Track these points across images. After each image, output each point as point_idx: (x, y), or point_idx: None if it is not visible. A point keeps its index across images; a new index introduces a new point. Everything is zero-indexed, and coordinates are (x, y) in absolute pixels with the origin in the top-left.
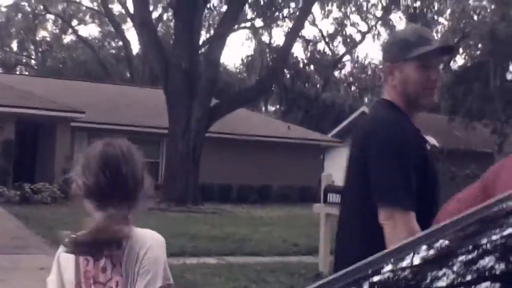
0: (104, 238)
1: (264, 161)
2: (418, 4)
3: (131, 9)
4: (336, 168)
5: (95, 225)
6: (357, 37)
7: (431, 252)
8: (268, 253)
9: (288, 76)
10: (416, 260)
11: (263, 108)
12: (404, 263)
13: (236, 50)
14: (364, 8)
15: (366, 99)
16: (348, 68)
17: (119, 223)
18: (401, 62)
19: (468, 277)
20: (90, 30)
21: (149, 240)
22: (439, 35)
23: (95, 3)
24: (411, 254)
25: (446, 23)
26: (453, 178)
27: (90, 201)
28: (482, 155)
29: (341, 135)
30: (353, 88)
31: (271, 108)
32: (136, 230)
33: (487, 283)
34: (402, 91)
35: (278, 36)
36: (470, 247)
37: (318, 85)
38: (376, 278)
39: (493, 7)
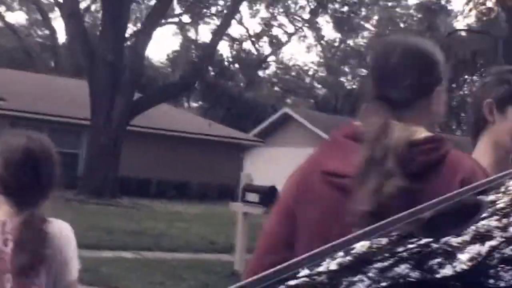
0: (29, 237)
1: (184, 157)
2: (345, 8)
3: None
4: (256, 167)
5: (18, 224)
6: (283, 38)
7: (348, 258)
8: (185, 250)
9: (212, 73)
10: (332, 266)
11: (186, 104)
12: (321, 268)
13: (162, 45)
14: (292, 10)
15: (288, 100)
16: (272, 68)
17: (42, 222)
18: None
19: (383, 284)
20: (17, 17)
21: (63, 231)
22: (364, 40)
23: None
24: (328, 260)
25: (372, 29)
26: None
27: (6, 195)
28: None
29: (262, 134)
30: (276, 88)
31: (194, 105)
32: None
33: None
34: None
35: (204, 33)
36: (387, 254)
37: (241, 84)
38: (292, 283)
39: (419, 16)
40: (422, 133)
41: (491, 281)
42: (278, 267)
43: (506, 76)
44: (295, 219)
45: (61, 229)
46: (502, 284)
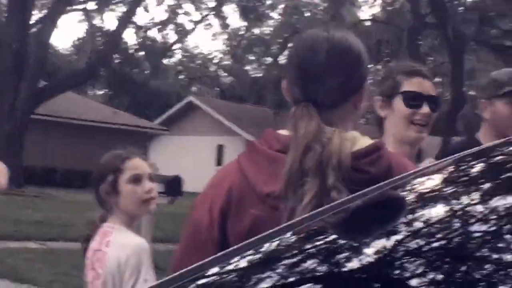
0: None
1: (90, 146)
2: None
3: None
4: (161, 156)
5: None
6: (189, 26)
7: (257, 256)
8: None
9: (117, 61)
10: (242, 263)
11: (91, 92)
12: (230, 267)
13: (68, 33)
14: None
15: (194, 89)
16: (178, 56)
17: None
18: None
19: (291, 279)
20: None
21: None
22: (270, 29)
23: None
24: (238, 258)
25: (278, 17)
26: None
27: None
28: None
29: (167, 123)
30: (182, 76)
31: (99, 92)
32: None
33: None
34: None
35: (110, 21)
36: (295, 251)
37: (147, 72)
38: (201, 281)
39: (325, 5)
40: (360, 139)
41: (397, 272)
42: (190, 267)
43: (387, 70)
44: (220, 230)
45: None
46: (407, 274)
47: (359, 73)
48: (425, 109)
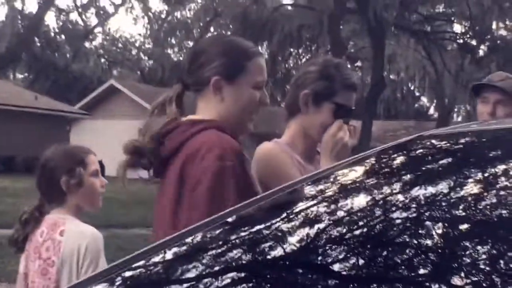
0: None
1: (10, 131)
2: None
3: None
4: (82, 140)
5: None
6: (111, 9)
7: (183, 248)
8: (13, 226)
9: (38, 44)
10: (168, 256)
11: (11, 76)
12: (157, 259)
13: None
14: None
15: (115, 72)
16: (99, 40)
17: None
18: None
19: (216, 268)
20: None
21: None
22: (192, 12)
23: None
24: (164, 250)
25: (199, 1)
26: None
27: None
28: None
29: (88, 107)
30: (103, 60)
31: (19, 76)
32: None
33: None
34: None
35: (31, 4)
36: (220, 242)
37: (68, 55)
38: (128, 274)
39: None
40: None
41: (320, 258)
42: (117, 262)
43: (329, 71)
44: None
45: None
46: (329, 260)
47: (204, 66)
48: (348, 123)
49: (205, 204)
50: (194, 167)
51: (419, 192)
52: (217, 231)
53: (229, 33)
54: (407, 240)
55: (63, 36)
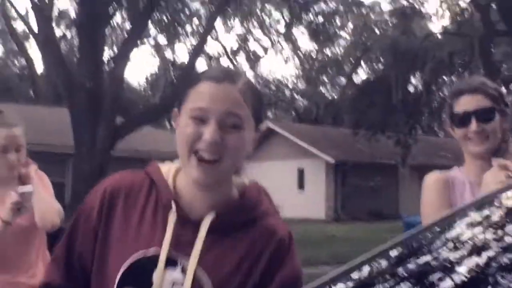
0: None
1: None
2: (320, 19)
3: (34, 27)
4: None
5: None
6: (260, 52)
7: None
8: None
9: None
10: None
11: (168, 125)
12: None
13: (141, 67)
14: (267, 23)
15: (270, 114)
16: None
17: None
18: None
19: None
20: None
21: None
22: (341, 49)
23: None
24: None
25: (348, 37)
26: (356, 190)
27: None
28: (387, 167)
29: None
30: None
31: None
32: None
33: None
34: None
35: (181, 53)
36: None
37: None
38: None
39: (394, 21)
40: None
41: None
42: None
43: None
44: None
45: None
46: None
47: None
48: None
49: None
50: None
51: None
52: (383, 263)
53: (380, 66)
54: None
55: None
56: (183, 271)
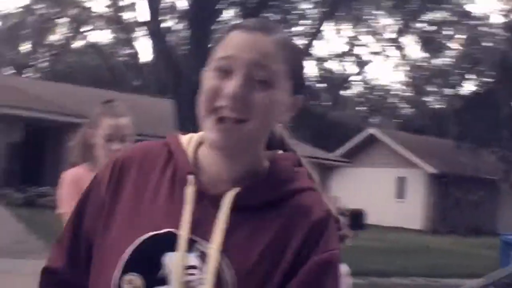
0: None
1: None
2: (430, 28)
3: (142, 17)
4: (342, 187)
5: None
6: (368, 57)
7: None
8: None
9: None
10: None
11: None
12: None
13: None
14: (377, 29)
15: (373, 120)
16: (358, 88)
17: None
18: None
19: None
20: (101, 36)
21: None
22: (450, 60)
23: (107, 10)
24: None
25: (457, 48)
26: (456, 203)
27: None
28: (488, 182)
29: (348, 155)
30: (361, 108)
31: (279, 125)
32: None
33: None
34: None
35: None
36: None
37: (326, 103)
38: None
39: (507, 34)
40: None
41: None
42: None
43: None
44: None
45: None
46: None
47: None
48: None
49: None
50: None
51: None
52: None
53: (489, 80)
54: None
55: (321, 84)
56: (201, 255)
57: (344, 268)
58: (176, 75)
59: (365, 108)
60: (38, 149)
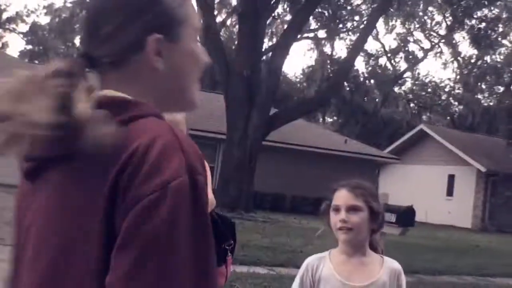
0: None
1: (319, 173)
2: (482, 25)
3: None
4: (390, 184)
5: None
6: (419, 54)
7: None
8: None
9: (347, 89)
10: None
11: (321, 119)
12: None
13: (297, 60)
14: (428, 26)
15: (424, 117)
16: (408, 84)
17: None
18: None
19: None
20: None
21: None
22: (502, 57)
23: None
24: None
25: (510, 45)
26: (506, 202)
27: None
28: None
29: (397, 151)
30: (412, 105)
31: (328, 120)
32: None
33: None
34: None
35: (340, 49)
36: None
37: (377, 100)
38: None
39: None
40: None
41: None
42: None
43: None
44: None
45: None
46: None
47: (141, 18)
48: None
49: (186, 259)
50: (142, 186)
51: None
52: None
53: None
54: None
55: (372, 81)
56: None
57: (398, 266)
58: (226, 71)
59: (415, 105)
60: None
